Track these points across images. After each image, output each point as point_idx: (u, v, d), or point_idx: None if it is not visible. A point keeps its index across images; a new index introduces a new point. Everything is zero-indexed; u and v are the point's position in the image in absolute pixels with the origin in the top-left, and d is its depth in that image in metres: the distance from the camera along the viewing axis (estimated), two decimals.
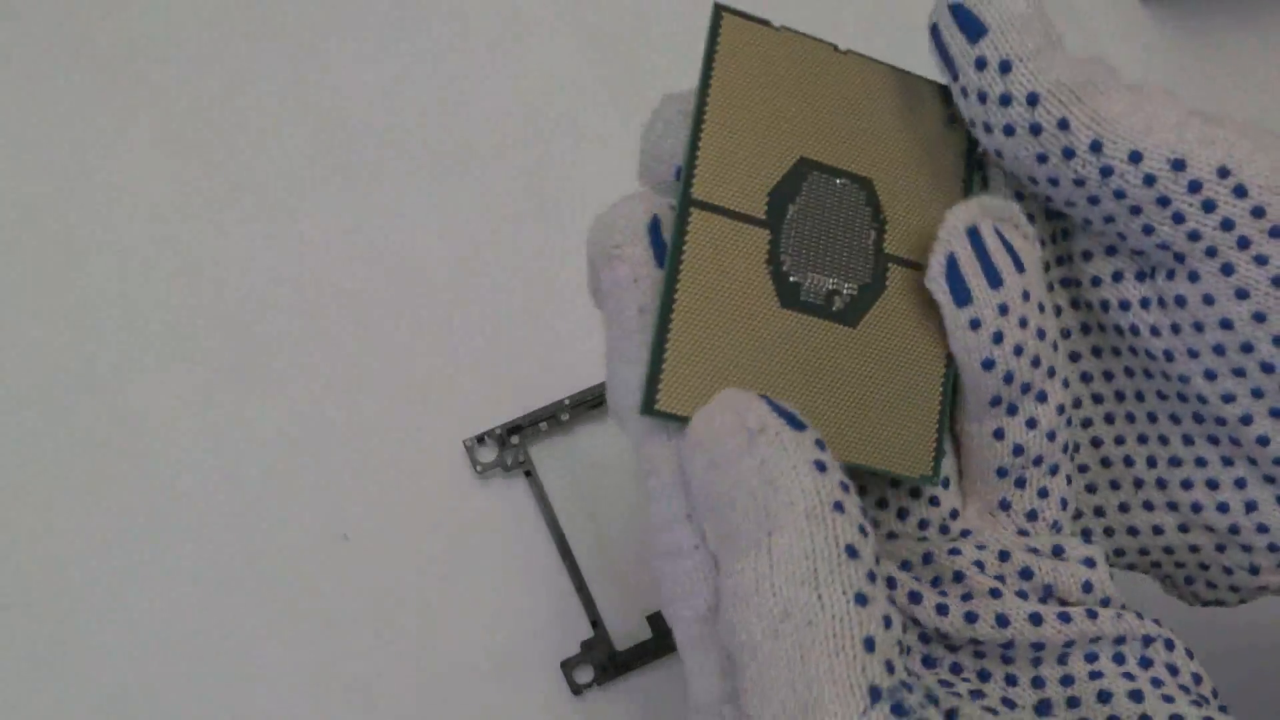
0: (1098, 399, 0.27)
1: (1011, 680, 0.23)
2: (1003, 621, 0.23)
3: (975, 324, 0.23)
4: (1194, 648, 0.24)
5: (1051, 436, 0.24)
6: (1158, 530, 0.27)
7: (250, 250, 0.41)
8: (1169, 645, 0.23)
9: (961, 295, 0.23)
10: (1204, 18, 0.45)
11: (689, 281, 0.22)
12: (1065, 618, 0.23)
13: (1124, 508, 0.27)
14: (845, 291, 0.23)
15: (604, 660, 0.36)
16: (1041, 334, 0.24)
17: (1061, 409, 0.24)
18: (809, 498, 0.19)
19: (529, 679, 0.36)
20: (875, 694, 0.18)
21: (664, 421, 0.22)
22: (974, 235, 0.23)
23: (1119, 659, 0.23)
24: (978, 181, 0.25)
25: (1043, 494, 0.25)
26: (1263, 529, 0.25)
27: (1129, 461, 0.26)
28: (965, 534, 0.25)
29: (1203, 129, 0.22)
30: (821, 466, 0.20)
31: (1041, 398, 0.24)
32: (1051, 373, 0.24)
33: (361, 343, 0.40)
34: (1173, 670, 0.23)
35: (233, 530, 0.37)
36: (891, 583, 0.23)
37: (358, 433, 0.39)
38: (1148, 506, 0.26)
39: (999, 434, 0.24)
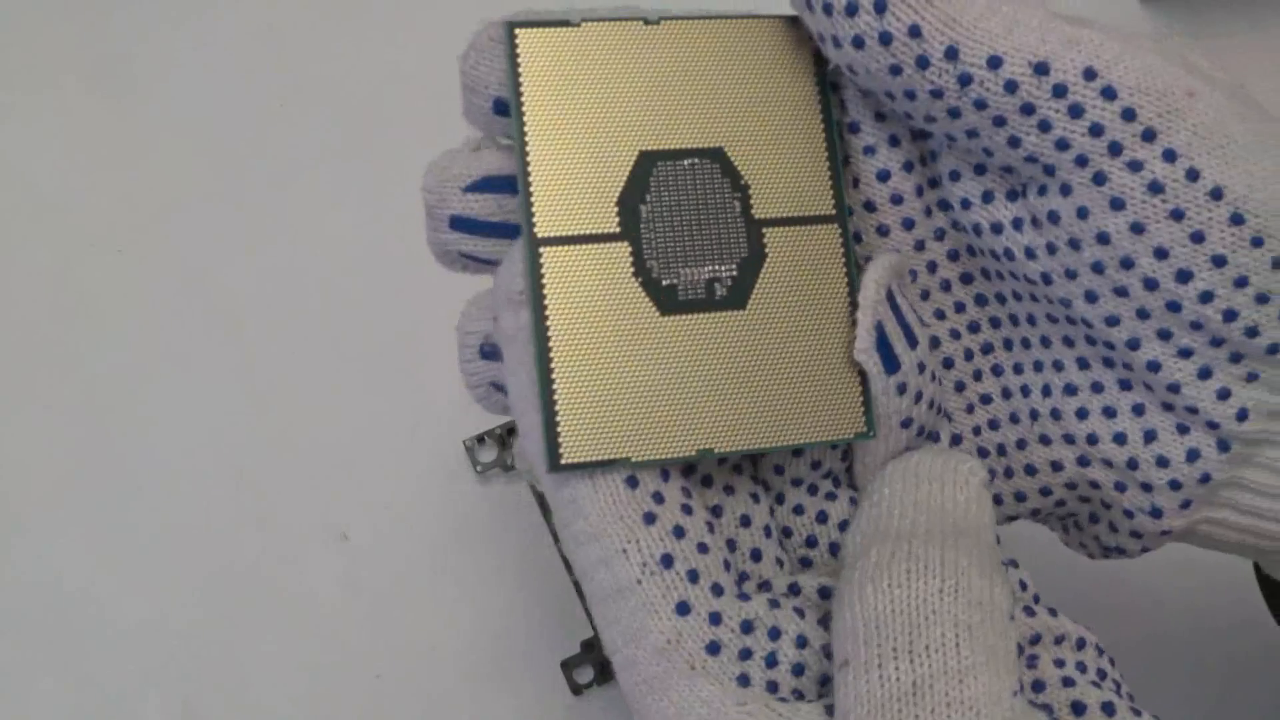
0: (995, 323, 0.25)
1: None
2: None
3: (902, 388, 0.22)
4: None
5: None
6: (1057, 466, 0.25)
7: (251, 249, 0.41)
8: (1099, 651, 0.23)
9: (891, 364, 0.22)
10: (1203, 18, 0.45)
11: (559, 323, 0.21)
12: (1029, 611, 0.23)
13: (1021, 444, 0.25)
14: (725, 274, 0.22)
15: (604, 660, 0.36)
16: (934, 377, 0.23)
17: (956, 438, 0.25)
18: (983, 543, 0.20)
19: (529, 679, 0.36)
20: (1019, 689, 0.19)
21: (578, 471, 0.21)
22: (891, 299, 0.22)
23: (1059, 663, 0.22)
24: (835, 107, 0.23)
25: None
26: (1163, 462, 0.23)
27: (1025, 391, 0.25)
28: None
29: (1067, 30, 0.21)
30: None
31: (934, 437, 0.24)
32: (940, 409, 0.24)
33: (362, 343, 0.40)
34: (1101, 674, 0.23)
35: (233, 529, 0.37)
36: None
37: (358, 432, 0.39)
38: (1044, 440, 0.25)
39: None
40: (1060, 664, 0.22)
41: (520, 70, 0.22)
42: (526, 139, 0.22)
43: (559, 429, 0.21)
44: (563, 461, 0.21)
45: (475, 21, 0.22)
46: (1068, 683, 0.22)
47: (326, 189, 0.42)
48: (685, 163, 0.22)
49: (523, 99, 0.22)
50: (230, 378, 0.39)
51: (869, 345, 0.22)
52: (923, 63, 0.21)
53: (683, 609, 0.20)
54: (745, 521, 0.23)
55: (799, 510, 0.24)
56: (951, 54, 0.21)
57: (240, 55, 0.43)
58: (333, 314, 0.40)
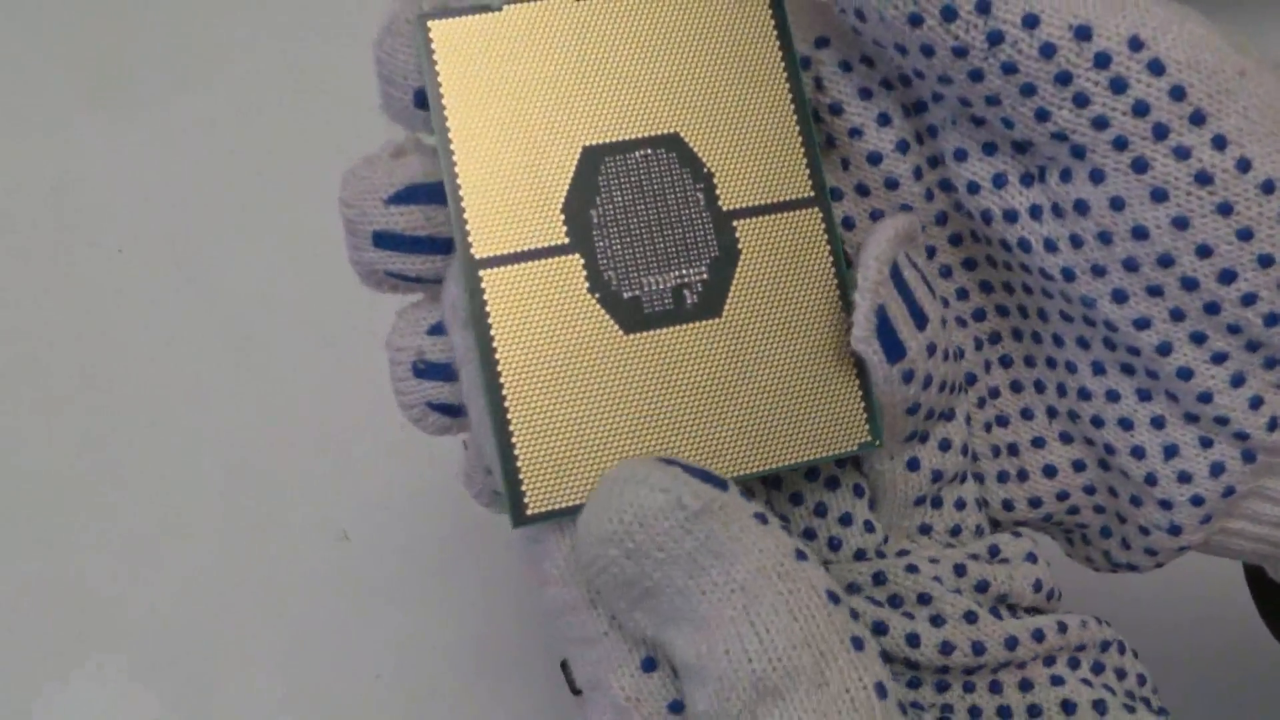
0: (1002, 311, 0.22)
1: (969, 687, 0.21)
2: (979, 649, 0.20)
3: (909, 376, 0.20)
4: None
5: (964, 450, 0.22)
6: (1079, 466, 0.22)
7: (251, 249, 0.41)
8: (1121, 649, 0.22)
9: (895, 351, 0.20)
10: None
11: (509, 356, 0.19)
12: (1039, 636, 0.21)
13: (1039, 442, 0.23)
14: (694, 279, 0.19)
15: None
16: (948, 355, 0.21)
17: (968, 418, 0.22)
18: (768, 556, 0.17)
19: (529, 679, 0.36)
20: None
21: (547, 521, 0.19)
22: (896, 275, 0.20)
23: (1074, 664, 0.21)
24: (805, 79, 0.21)
25: (959, 505, 0.22)
26: (1184, 478, 0.21)
27: (1039, 386, 0.22)
28: (903, 553, 0.22)
29: None
30: (762, 519, 0.17)
31: (948, 416, 0.22)
32: (955, 388, 0.21)
33: (363, 342, 0.40)
34: (1120, 674, 0.21)
35: (233, 529, 0.37)
36: (853, 614, 0.19)
37: (358, 432, 0.39)
38: (1065, 439, 0.22)
39: (913, 464, 0.21)
40: (1049, 663, 0.21)
41: (438, 69, 0.19)
42: (452, 147, 0.19)
43: (520, 478, 0.18)
44: (528, 513, 0.18)
45: None
46: (1055, 681, 0.20)
47: (326, 188, 0.42)
48: (637, 154, 0.20)
49: (444, 101, 0.19)
50: (230, 377, 0.39)
51: (869, 332, 0.19)
52: (949, 14, 0.18)
53: (648, 665, 0.19)
54: None
55: (821, 511, 0.22)
56: (983, 7, 0.18)
57: (240, 55, 0.43)
58: (333, 313, 0.40)
